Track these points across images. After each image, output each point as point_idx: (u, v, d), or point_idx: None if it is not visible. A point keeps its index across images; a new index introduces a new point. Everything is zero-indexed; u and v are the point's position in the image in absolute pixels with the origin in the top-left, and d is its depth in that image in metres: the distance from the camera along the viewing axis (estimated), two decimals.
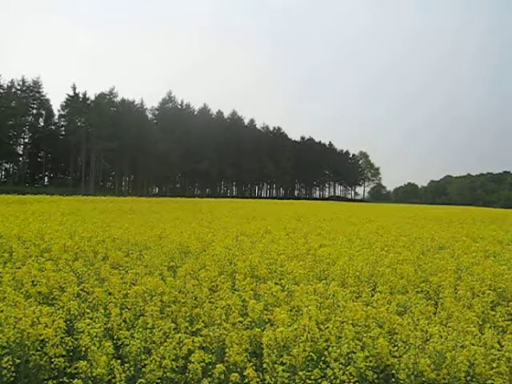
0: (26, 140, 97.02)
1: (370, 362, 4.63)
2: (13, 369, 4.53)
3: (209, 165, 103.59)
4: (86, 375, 4.37)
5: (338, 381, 4.28)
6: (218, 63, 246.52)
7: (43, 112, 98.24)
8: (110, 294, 6.39)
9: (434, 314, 6.00)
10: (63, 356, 4.78)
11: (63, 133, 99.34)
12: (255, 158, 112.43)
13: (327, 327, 4.98)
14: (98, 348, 4.58)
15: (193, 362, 4.47)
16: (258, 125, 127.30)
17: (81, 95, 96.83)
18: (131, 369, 4.52)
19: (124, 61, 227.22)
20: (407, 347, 4.70)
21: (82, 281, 7.16)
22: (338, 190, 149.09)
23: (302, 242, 12.21)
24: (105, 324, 5.35)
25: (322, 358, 4.57)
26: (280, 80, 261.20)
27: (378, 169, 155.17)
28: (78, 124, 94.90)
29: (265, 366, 4.55)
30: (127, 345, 4.86)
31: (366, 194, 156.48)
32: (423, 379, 4.37)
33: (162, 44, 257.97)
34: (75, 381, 4.21)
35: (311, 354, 4.62)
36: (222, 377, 4.42)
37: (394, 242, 12.94)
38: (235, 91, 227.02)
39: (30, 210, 21.96)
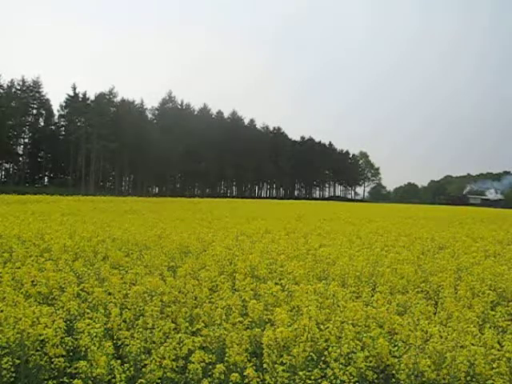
0: (26, 140, 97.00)
1: (370, 362, 4.63)
2: (13, 369, 4.53)
3: (209, 165, 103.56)
4: (85, 375, 4.37)
5: (338, 381, 4.27)
6: (218, 63, 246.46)
7: (43, 112, 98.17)
8: (109, 294, 6.38)
9: (434, 313, 6.00)
10: (63, 356, 4.77)
11: (63, 133, 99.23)
12: (255, 157, 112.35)
13: (327, 327, 4.97)
14: (97, 348, 4.58)
15: (193, 362, 4.47)
16: (258, 125, 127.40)
17: (81, 95, 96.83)
18: (131, 369, 4.52)
19: (124, 61, 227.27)
20: (407, 347, 4.70)
21: (81, 281, 7.16)
22: (338, 190, 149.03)
23: (302, 241, 12.22)
24: (105, 324, 5.35)
25: (322, 358, 4.56)
26: (281, 80, 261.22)
27: (378, 169, 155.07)
28: (78, 124, 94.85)
29: (265, 365, 4.55)
30: (127, 345, 4.86)
31: (366, 194, 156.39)
32: (423, 379, 4.37)
33: (162, 44, 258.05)
34: (75, 381, 4.21)
35: (311, 354, 4.62)
36: (222, 377, 4.42)
37: (394, 242, 12.94)
38: (236, 91, 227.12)
39: (30, 210, 21.97)
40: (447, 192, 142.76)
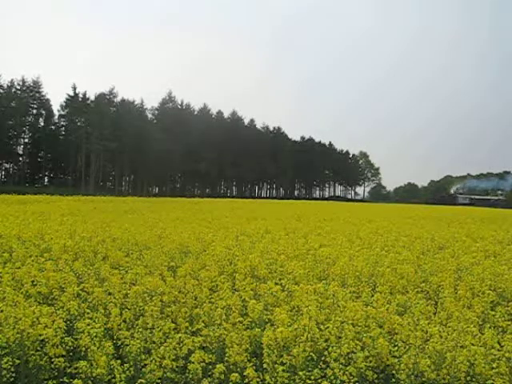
0: (26, 140, 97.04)
1: (370, 362, 4.63)
2: (13, 369, 4.53)
3: (209, 165, 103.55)
4: (85, 375, 4.37)
5: (337, 381, 4.27)
6: (218, 63, 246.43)
7: (43, 112, 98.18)
8: (110, 294, 6.38)
9: (434, 314, 6.00)
10: (63, 356, 4.77)
11: (63, 133, 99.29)
12: (255, 157, 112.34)
13: (327, 327, 4.97)
14: (97, 348, 4.58)
15: (193, 362, 4.47)
16: (258, 125, 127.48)
17: (81, 95, 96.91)
18: (131, 369, 4.52)
19: (124, 61, 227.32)
20: (407, 347, 4.70)
21: (81, 281, 7.16)
22: (338, 190, 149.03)
23: (301, 242, 12.21)
24: (105, 324, 5.35)
25: (322, 358, 4.56)
26: (281, 80, 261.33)
27: (378, 169, 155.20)
28: (78, 124, 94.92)
29: (265, 365, 4.55)
30: (127, 345, 4.86)
31: (366, 194, 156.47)
32: (423, 379, 4.37)
33: (162, 44, 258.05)
34: (75, 381, 4.21)
35: (311, 354, 4.62)
36: (222, 377, 4.42)
37: (394, 242, 12.93)
38: (236, 91, 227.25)
39: (30, 210, 21.95)
40: (446, 192, 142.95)
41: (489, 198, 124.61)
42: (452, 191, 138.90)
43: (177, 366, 4.60)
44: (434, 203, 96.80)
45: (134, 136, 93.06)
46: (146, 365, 4.60)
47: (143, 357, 4.71)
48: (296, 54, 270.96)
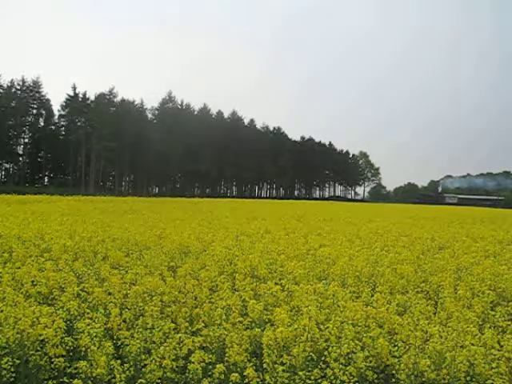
0: (26, 140, 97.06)
1: (370, 362, 4.63)
2: (13, 369, 4.53)
3: (209, 165, 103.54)
4: (85, 375, 4.37)
5: (337, 381, 4.28)
6: (218, 63, 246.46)
7: (43, 112, 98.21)
8: (110, 294, 6.38)
9: (434, 314, 6.00)
10: (63, 356, 4.77)
11: (63, 133, 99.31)
12: (255, 158, 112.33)
13: (327, 327, 4.98)
14: (97, 348, 4.58)
15: (193, 362, 4.47)
16: (258, 125, 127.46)
17: (81, 95, 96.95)
18: (131, 369, 4.52)
19: (124, 61, 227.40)
20: (407, 347, 4.70)
21: (81, 281, 7.16)
22: (338, 190, 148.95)
23: (301, 241, 12.22)
24: (105, 324, 5.35)
25: (322, 358, 4.56)
26: (281, 80, 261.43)
27: (377, 169, 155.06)
28: (78, 124, 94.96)
29: (265, 365, 4.55)
30: (127, 345, 4.86)
31: (366, 194, 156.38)
32: (423, 379, 4.37)
33: (162, 44, 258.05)
34: (75, 381, 4.21)
35: (311, 354, 4.62)
36: (222, 377, 4.42)
37: (394, 242, 12.94)
38: (236, 91, 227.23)
39: (30, 210, 21.94)
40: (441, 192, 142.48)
41: (483, 197, 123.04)
42: (440, 190, 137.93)
43: (177, 366, 4.60)
44: (420, 203, 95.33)
45: (134, 136, 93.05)
46: (146, 365, 4.60)
47: (143, 357, 4.71)
48: (296, 54, 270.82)
